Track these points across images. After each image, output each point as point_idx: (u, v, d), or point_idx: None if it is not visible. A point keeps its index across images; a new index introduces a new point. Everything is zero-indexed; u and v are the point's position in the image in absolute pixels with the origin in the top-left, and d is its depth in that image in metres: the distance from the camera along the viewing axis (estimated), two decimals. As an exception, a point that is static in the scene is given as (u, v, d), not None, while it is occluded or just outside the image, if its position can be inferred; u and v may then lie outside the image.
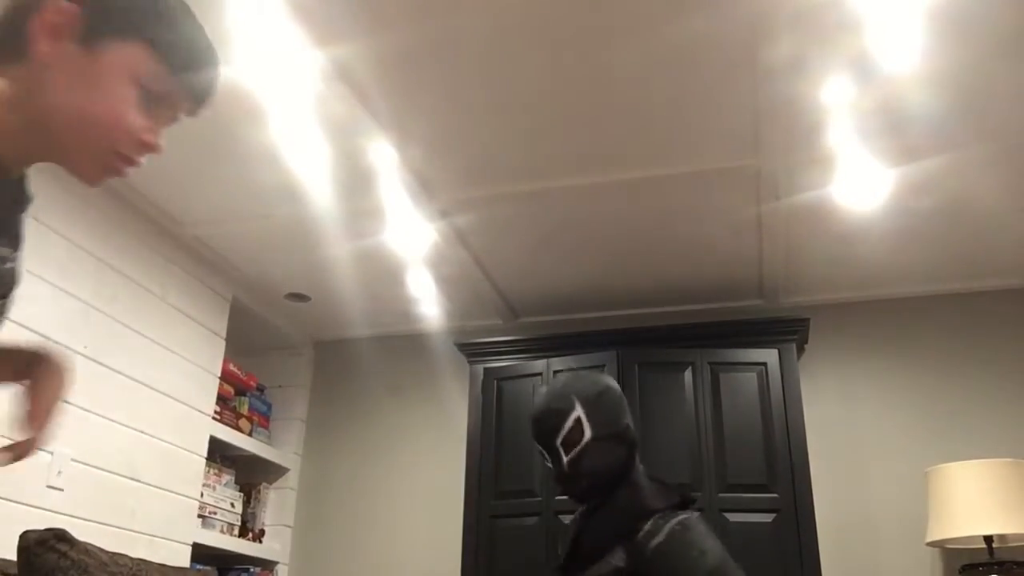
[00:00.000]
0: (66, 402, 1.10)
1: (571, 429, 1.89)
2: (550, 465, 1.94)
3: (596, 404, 1.92)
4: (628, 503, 1.86)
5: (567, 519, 3.07)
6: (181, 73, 1.00)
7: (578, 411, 1.90)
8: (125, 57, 0.97)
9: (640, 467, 1.98)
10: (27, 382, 1.05)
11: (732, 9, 2.11)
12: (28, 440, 1.01)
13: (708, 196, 2.96)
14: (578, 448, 1.88)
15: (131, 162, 1.01)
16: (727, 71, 2.34)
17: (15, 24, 0.95)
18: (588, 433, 1.89)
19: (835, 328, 3.62)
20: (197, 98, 1.04)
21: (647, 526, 1.78)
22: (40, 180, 2.86)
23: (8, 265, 1.04)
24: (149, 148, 1.01)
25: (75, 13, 0.94)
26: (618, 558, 1.77)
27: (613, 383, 2.01)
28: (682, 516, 1.79)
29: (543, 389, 2.01)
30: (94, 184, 1.04)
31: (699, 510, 1.90)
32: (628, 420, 1.96)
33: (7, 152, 0.97)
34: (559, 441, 1.90)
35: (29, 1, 0.96)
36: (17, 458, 0.99)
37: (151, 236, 3.10)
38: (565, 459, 1.89)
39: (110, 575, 2.24)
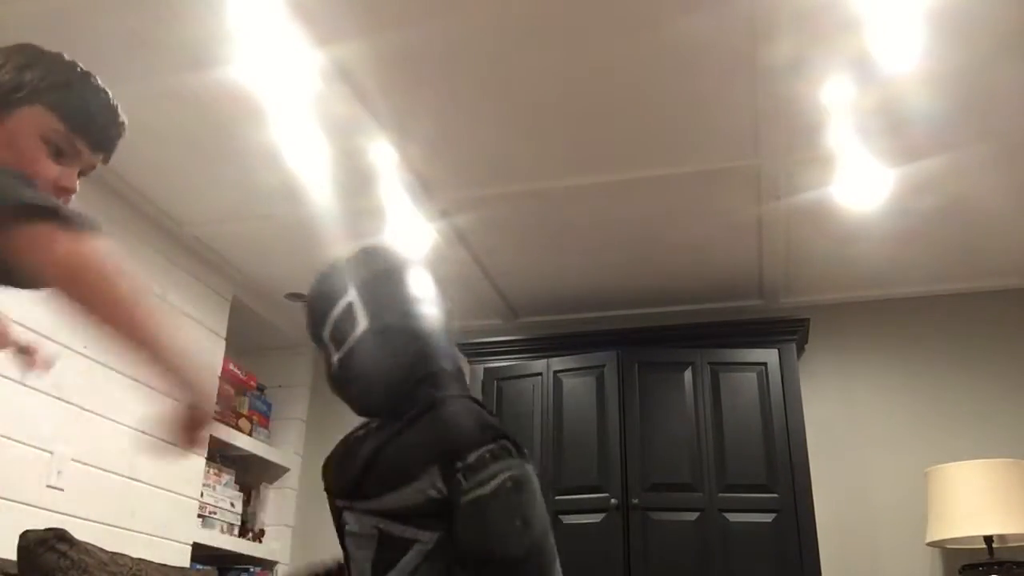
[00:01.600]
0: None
1: (339, 318, 1.49)
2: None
3: (376, 286, 1.52)
4: (451, 419, 1.42)
5: (567, 520, 3.08)
6: (79, 130, 1.20)
7: (351, 295, 1.50)
8: (29, 119, 1.17)
9: (458, 382, 1.51)
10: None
11: (732, 9, 2.11)
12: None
13: (708, 196, 2.96)
14: (349, 342, 1.48)
15: None
16: (727, 71, 2.34)
17: None
18: (362, 323, 1.47)
19: (835, 328, 3.62)
20: (98, 149, 1.23)
21: (471, 458, 1.35)
22: (40, 180, 2.84)
23: None
24: (64, 192, 1.19)
25: None
26: (433, 487, 1.35)
27: (409, 261, 1.59)
28: (514, 468, 1.38)
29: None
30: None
31: (521, 452, 1.44)
32: (424, 308, 1.51)
33: None
34: (326, 333, 1.51)
35: None
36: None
37: (151, 236, 3.10)
38: (335, 356, 1.51)
39: (110, 575, 2.24)
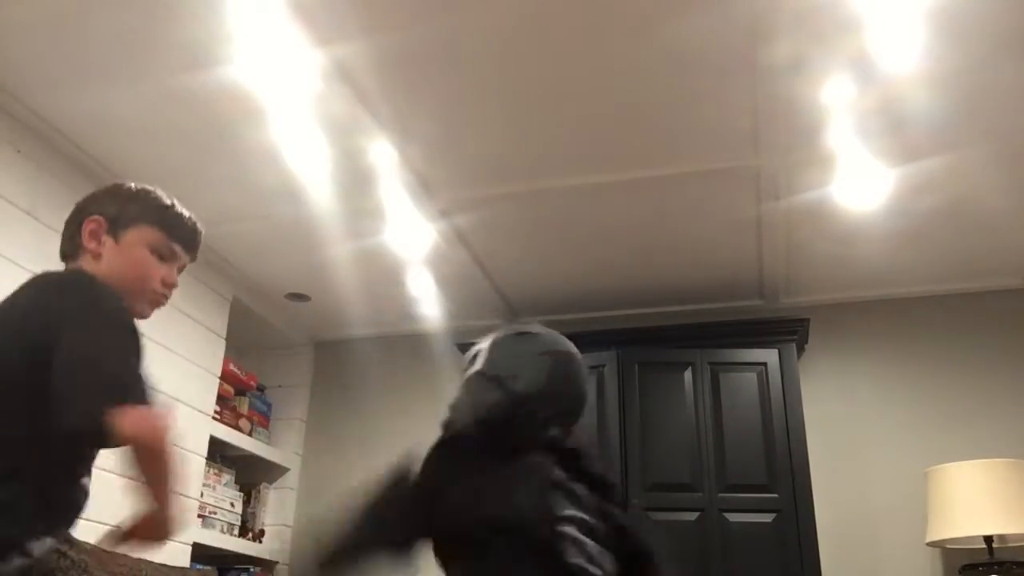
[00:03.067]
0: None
1: (470, 360, 1.75)
2: None
3: (501, 344, 1.74)
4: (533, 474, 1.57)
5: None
6: (176, 237, 1.60)
7: (482, 345, 1.75)
8: (137, 235, 1.56)
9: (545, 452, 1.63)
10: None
11: (732, 9, 2.11)
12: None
13: (708, 196, 2.96)
14: (464, 377, 1.73)
15: (164, 296, 1.60)
16: (727, 71, 2.34)
17: (72, 233, 1.57)
18: (476, 366, 1.72)
19: (835, 328, 3.62)
20: (190, 248, 1.64)
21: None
22: (41, 180, 2.85)
23: None
24: (170, 286, 1.61)
25: (102, 221, 1.55)
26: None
27: (549, 339, 1.76)
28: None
29: None
30: (144, 316, 1.58)
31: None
32: (528, 375, 1.67)
33: None
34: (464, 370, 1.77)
35: (79, 218, 1.56)
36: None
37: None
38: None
39: (110, 575, 2.24)
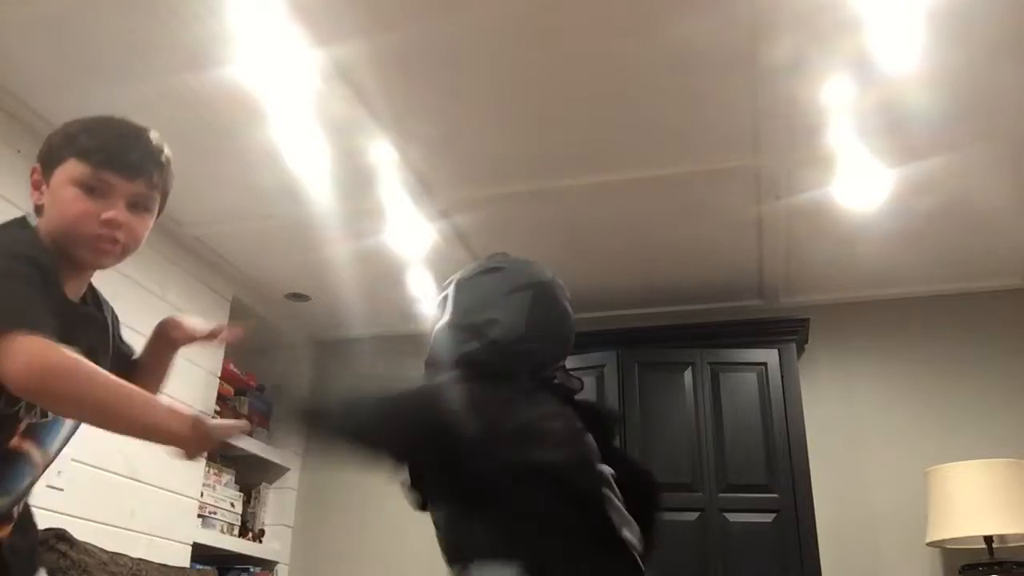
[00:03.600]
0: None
1: (438, 305, 1.60)
2: None
3: (467, 285, 1.58)
4: None
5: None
6: (102, 163, 1.33)
7: (449, 290, 1.59)
8: (61, 173, 1.34)
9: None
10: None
11: (732, 9, 2.11)
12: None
13: (708, 196, 2.96)
14: (435, 328, 1.58)
15: (108, 238, 1.34)
16: (727, 71, 2.34)
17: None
18: (446, 316, 1.56)
19: (835, 328, 3.62)
20: (128, 173, 1.36)
21: None
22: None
23: None
24: (109, 224, 1.33)
25: (38, 167, 1.38)
26: None
27: (520, 270, 1.58)
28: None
29: None
30: (97, 266, 1.40)
31: None
32: (499, 315, 1.50)
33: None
34: (433, 318, 1.62)
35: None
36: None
37: (151, 236, 3.08)
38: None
39: (110, 575, 2.25)
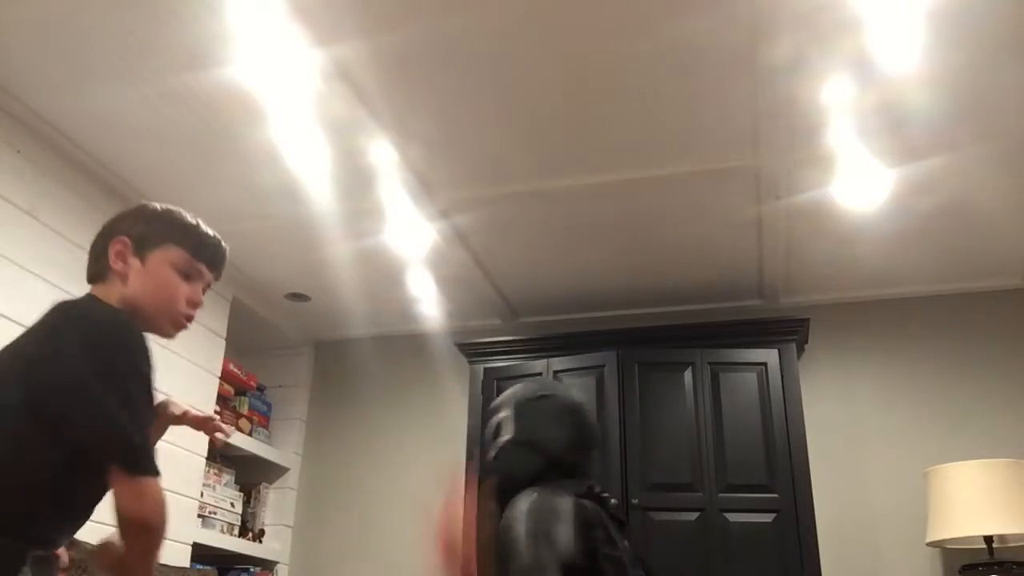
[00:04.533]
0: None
1: (496, 426, 1.93)
2: None
3: (524, 408, 1.91)
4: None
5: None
6: (201, 256, 1.61)
7: (506, 412, 1.92)
8: (161, 255, 1.56)
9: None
10: None
11: (732, 9, 2.11)
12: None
13: (708, 196, 2.96)
14: (496, 446, 1.90)
15: (189, 317, 1.60)
16: (727, 71, 2.34)
17: (99, 254, 1.56)
18: (507, 435, 1.89)
19: (835, 328, 3.62)
20: (214, 267, 1.67)
21: None
22: (41, 180, 2.85)
23: None
24: (195, 305, 1.60)
25: (128, 242, 1.54)
26: None
27: (564, 396, 1.97)
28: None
29: None
30: (170, 337, 1.60)
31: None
32: (557, 434, 1.89)
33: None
34: (489, 435, 1.96)
35: (105, 240, 1.55)
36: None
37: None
38: (490, 454, 1.93)
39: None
